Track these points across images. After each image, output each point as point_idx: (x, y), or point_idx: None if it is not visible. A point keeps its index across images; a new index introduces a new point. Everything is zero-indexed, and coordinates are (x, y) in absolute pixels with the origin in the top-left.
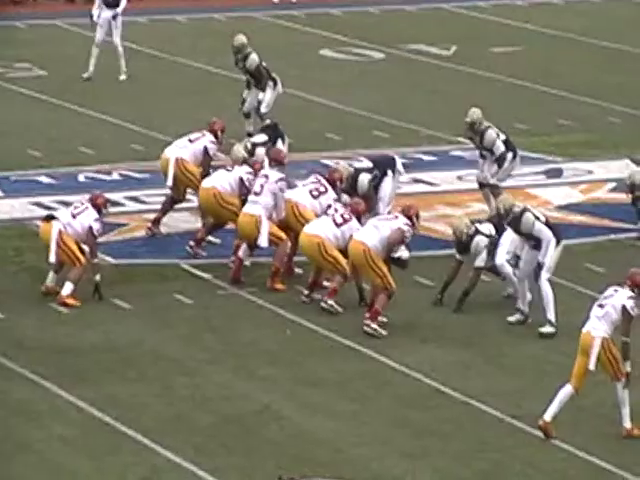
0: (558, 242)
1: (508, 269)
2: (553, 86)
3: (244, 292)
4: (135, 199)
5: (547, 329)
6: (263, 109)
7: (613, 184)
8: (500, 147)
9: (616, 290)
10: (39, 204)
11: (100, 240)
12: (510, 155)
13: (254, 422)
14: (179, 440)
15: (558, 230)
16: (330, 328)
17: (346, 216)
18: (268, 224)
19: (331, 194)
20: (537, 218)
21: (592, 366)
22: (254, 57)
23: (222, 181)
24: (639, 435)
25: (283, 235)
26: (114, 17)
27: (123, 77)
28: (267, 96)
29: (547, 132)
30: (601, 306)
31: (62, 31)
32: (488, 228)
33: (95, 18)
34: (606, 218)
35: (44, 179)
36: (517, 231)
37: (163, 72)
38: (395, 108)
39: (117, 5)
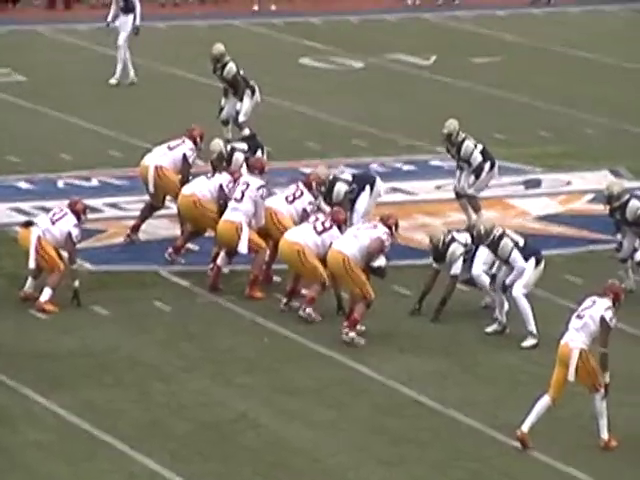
0: (538, 262)
1: (485, 279)
2: (532, 97)
3: (222, 300)
4: (114, 205)
5: (529, 342)
6: (241, 118)
7: (592, 195)
8: (477, 158)
9: (594, 301)
10: (18, 209)
11: (79, 246)
12: (487, 166)
13: (231, 429)
14: (156, 447)
15: (539, 251)
16: (308, 336)
17: (327, 224)
18: (248, 231)
19: (307, 197)
20: (516, 244)
21: (571, 377)
22: (232, 66)
23: (202, 188)
24: (616, 446)
25: (262, 243)
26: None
27: (113, 81)
28: (245, 105)
29: (526, 143)
30: (579, 317)
31: (42, 37)
32: (465, 237)
33: (110, 21)
34: (585, 229)
35: (23, 184)
36: (494, 254)
37: (143, 79)
38: (374, 117)
39: (133, 10)
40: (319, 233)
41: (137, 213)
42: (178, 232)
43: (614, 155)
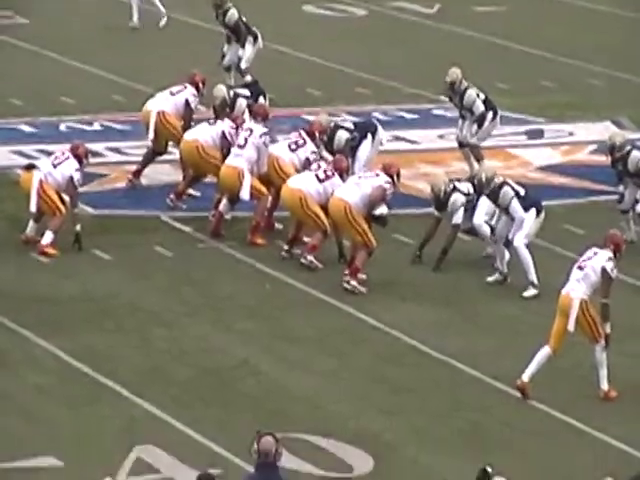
0: (539, 212)
1: (486, 229)
2: (536, 47)
3: (224, 246)
4: (116, 150)
5: (530, 292)
6: (243, 64)
7: (594, 146)
8: (480, 107)
9: (595, 252)
10: (20, 152)
11: (81, 190)
12: (490, 115)
13: (231, 376)
14: (157, 392)
15: (539, 201)
16: (309, 283)
17: (329, 172)
18: (250, 177)
19: (310, 146)
20: (517, 194)
21: (571, 327)
22: (233, 12)
23: (204, 134)
24: (615, 397)
25: (264, 190)
26: None
27: (162, 22)
28: (247, 51)
29: (529, 93)
30: (580, 268)
31: None
32: (466, 187)
33: None
34: (587, 180)
35: (25, 128)
36: (495, 203)
37: (145, 24)
38: (377, 65)
39: None
40: (321, 181)
41: (139, 158)
42: (180, 178)
43: (616, 106)
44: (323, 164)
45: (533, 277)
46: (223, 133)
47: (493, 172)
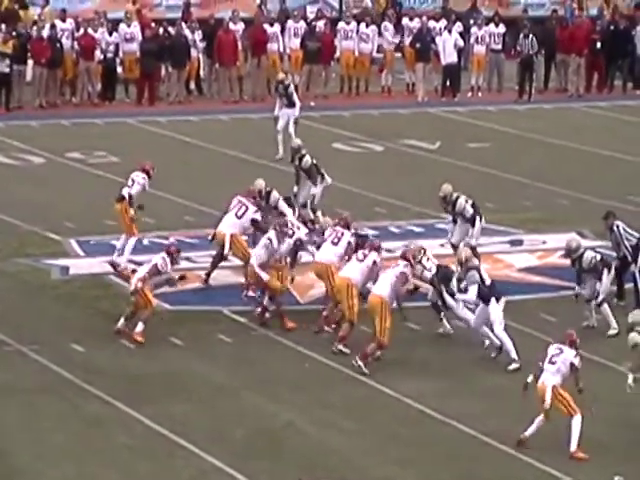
0: (498, 299)
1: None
2: (516, 174)
3: (272, 333)
4: (187, 259)
5: (513, 366)
6: (315, 201)
7: (563, 252)
8: (469, 210)
9: (561, 349)
10: (110, 262)
11: (159, 291)
12: (478, 216)
13: (280, 435)
14: (221, 449)
15: (497, 290)
16: (340, 362)
17: (366, 252)
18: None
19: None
20: (482, 281)
21: (547, 405)
22: (308, 158)
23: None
24: (581, 459)
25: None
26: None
27: (280, 155)
28: (318, 190)
29: (511, 210)
30: (552, 363)
31: (131, 127)
32: (431, 265)
33: (276, 112)
34: (557, 278)
35: (116, 243)
36: (460, 280)
37: (210, 159)
38: (391, 190)
39: (294, 106)
40: (361, 261)
41: (206, 265)
42: (237, 279)
43: (579, 220)
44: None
45: (514, 354)
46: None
47: (468, 254)
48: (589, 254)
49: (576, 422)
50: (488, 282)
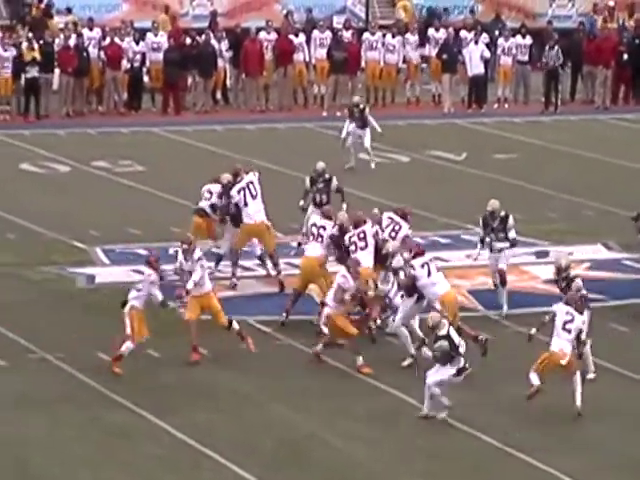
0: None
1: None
2: (542, 186)
3: (297, 343)
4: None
5: (408, 361)
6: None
7: (589, 263)
8: (514, 233)
9: (572, 315)
10: (138, 271)
11: (186, 300)
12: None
13: (305, 445)
14: (247, 459)
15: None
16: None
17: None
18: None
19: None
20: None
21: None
22: (335, 181)
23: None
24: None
25: None
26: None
27: (373, 165)
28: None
29: (537, 221)
30: (568, 330)
31: (157, 136)
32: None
33: (345, 132)
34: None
35: (142, 251)
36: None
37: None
38: (417, 201)
39: (366, 126)
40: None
41: (229, 274)
42: (262, 289)
43: (605, 232)
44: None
45: (411, 349)
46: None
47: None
48: (579, 282)
49: (577, 379)
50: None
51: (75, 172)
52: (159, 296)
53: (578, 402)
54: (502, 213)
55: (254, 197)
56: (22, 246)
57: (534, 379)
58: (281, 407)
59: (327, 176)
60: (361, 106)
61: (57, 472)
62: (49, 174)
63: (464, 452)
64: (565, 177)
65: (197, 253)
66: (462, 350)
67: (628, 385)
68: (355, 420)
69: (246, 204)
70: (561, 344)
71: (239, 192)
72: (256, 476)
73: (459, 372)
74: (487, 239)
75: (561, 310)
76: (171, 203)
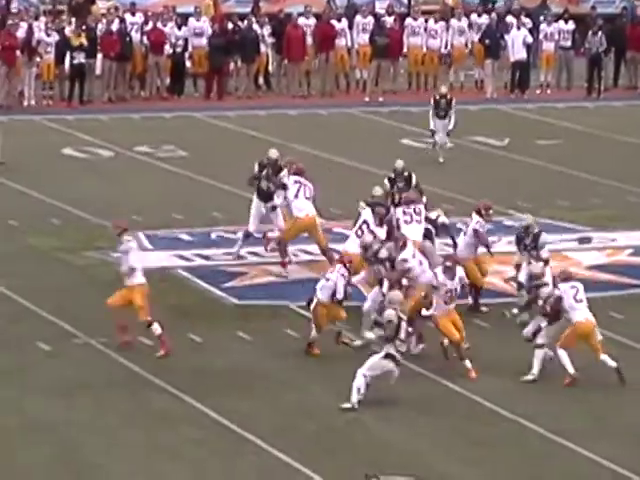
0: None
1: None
2: (585, 172)
3: (337, 328)
4: (254, 254)
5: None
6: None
7: (632, 250)
8: (547, 249)
9: (576, 287)
10: (180, 256)
11: (227, 285)
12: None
13: (346, 431)
14: (288, 444)
15: None
16: (406, 358)
17: None
18: None
19: None
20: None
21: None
22: (415, 178)
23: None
24: None
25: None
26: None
27: (441, 160)
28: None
29: (580, 207)
30: (581, 300)
31: (199, 121)
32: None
33: (433, 126)
34: (626, 276)
35: (184, 237)
36: None
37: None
38: (460, 186)
39: (449, 118)
40: None
41: (271, 259)
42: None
43: None
44: None
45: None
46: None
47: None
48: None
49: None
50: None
51: (118, 157)
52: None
53: (613, 363)
54: (536, 229)
55: (307, 198)
56: (65, 231)
57: (569, 367)
58: (321, 392)
59: (406, 174)
60: (448, 97)
61: (102, 459)
62: (92, 159)
63: (508, 439)
64: (608, 163)
65: None
66: (401, 336)
67: None
68: (396, 405)
69: (297, 196)
70: (584, 313)
71: (296, 183)
72: (298, 461)
73: (387, 356)
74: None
75: (565, 289)
76: (213, 188)
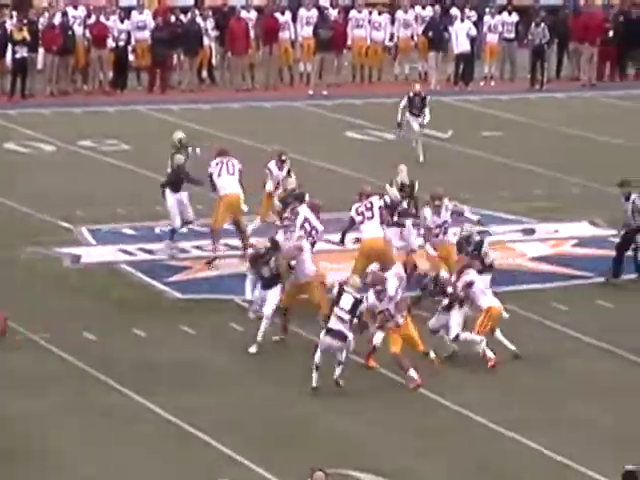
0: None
1: None
2: (528, 163)
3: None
4: (198, 247)
5: (253, 349)
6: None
7: (575, 241)
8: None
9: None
10: (124, 250)
11: (171, 279)
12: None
13: (294, 425)
14: (234, 439)
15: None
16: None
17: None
18: None
19: None
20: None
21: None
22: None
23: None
24: None
25: None
26: (421, 126)
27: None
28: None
29: (523, 199)
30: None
31: (143, 115)
32: None
33: (406, 121)
34: (569, 267)
35: (128, 231)
36: None
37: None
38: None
39: (423, 116)
40: None
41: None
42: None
43: (591, 209)
44: None
45: (260, 338)
46: None
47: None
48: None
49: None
50: None
51: (60, 151)
52: None
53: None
54: (477, 238)
55: (230, 174)
56: (7, 226)
57: (488, 352)
58: (268, 386)
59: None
60: (422, 94)
61: (43, 451)
62: (34, 154)
63: (455, 430)
64: (552, 154)
65: None
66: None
67: (617, 362)
68: (345, 397)
69: (220, 175)
70: (492, 301)
71: (217, 165)
72: (245, 456)
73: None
74: None
75: (475, 276)
76: (157, 182)
